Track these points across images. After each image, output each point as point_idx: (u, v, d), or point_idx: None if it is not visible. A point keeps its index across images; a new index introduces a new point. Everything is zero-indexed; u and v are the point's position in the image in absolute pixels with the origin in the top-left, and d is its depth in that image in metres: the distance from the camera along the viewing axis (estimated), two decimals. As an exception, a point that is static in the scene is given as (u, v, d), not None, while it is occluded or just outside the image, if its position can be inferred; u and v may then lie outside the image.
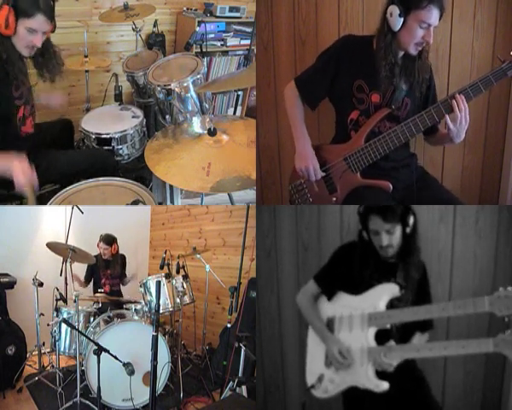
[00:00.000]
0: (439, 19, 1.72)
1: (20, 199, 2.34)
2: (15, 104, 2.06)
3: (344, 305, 1.56)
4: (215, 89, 3.30)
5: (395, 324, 1.49)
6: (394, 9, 1.72)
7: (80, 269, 3.21)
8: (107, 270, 3.27)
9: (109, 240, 3.24)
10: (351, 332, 1.51)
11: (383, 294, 1.49)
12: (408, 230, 1.48)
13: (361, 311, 1.50)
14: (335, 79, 1.93)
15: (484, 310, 1.30)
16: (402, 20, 1.72)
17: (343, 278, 1.57)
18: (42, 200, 2.36)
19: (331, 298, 1.60)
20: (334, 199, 2.00)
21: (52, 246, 2.79)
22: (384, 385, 1.46)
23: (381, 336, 1.48)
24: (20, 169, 1.82)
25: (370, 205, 1.51)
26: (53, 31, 2.07)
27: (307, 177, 1.98)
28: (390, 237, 1.46)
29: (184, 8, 3.86)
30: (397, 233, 1.46)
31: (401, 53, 1.83)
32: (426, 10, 1.68)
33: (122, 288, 3.40)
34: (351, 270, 1.55)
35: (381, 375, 1.47)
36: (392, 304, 1.49)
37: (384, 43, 1.79)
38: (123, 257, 3.40)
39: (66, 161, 2.36)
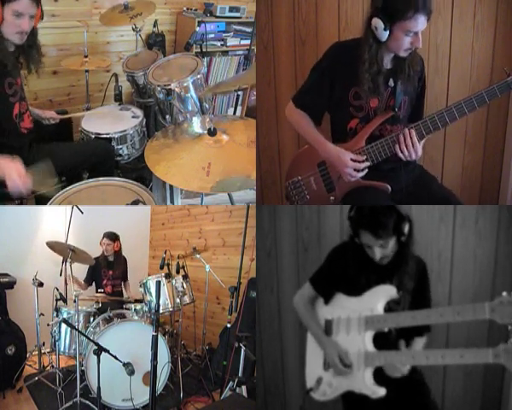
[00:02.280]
0: (428, 21, 1.67)
1: (20, 198, 2.34)
2: (10, 102, 2.07)
3: (341, 307, 1.53)
4: (219, 91, 3.30)
5: (394, 327, 1.46)
6: (378, 23, 1.68)
7: (81, 270, 3.21)
8: (109, 271, 3.27)
9: (112, 236, 3.26)
10: (348, 335, 1.49)
11: (380, 296, 1.46)
12: (403, 238, 1.42)
13: (358, 313, 1.47)
14: (332, 90, 1.90)
15: (484, 317, 1.22)
16: (388, 32, 1.69)
17: (339, 280, 1.54)
18: (42, 200, 2.36)
19: (328, 300, 1.58)
20: (332, 198, 1.99)
21: (52, 245, 2.79)
22: (380, 392, 1.43)
23: (381, 339, 1.46)
24: (15, 172, 1.79)
25: (362, 206, 1.44)
26: (41, 17, 2.07)
27: (355, 175, 1.87)
28: (384, 250, 1.42)
29: (184, 8, 3.86)
30: (390, 245, 1.41)
31: (391, 55, 1.82)
32: (412, 20, 1.64)
33: (123, 288, 3.40)
34: (346, 271, 1.51)
35: (380, 378, 1.44)
36: (390, 307, 1.47)
37: (369, 53, 1.76)
38: (124, 258, 3.40)
39: (67, 152, 2.36)
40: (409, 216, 1.43)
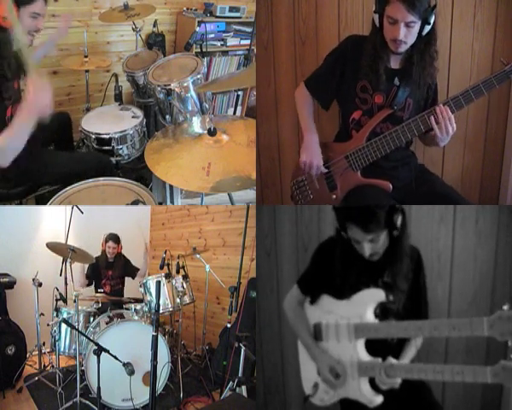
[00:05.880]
0: (418, 15, 1.66)
1: (20, 199, 2.34)
2: (4, 105, 2.06)
3: (329, 311, 1.44)
4: (215, 88, 3.31)
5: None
6: (373, 5, 1.76)
7: (81, 269, 3.20)
8: (108, 271, 3.26)
9: (117, 239, 3.27)
10: (338, 342, 1.42)
11: (368, 301, 1.36)
12: (395, 233, 1.30)
13: (347, 320, 1.38)
14: (341, 79, 1.94)
15: (482, 334, 1.10)
16: (377, 16, 1.74)
17: (327, 280, 1.44)
18: (42, 200, 2.37)
19: (315, 301, 1.50)
20: (334, 196, 2.00)
21: (52, 246, 2.79)
22: (377, 400, 1.37)
23: (374, 344, 1.40)
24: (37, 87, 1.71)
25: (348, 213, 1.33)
26: None
27: (308, 171, 1.97)
28: (373, 246, 1.29)
29: (184, 8, 3.87)
30: (381, 239, 1.29)
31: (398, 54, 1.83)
32: (391, 6, 1.68)
33: (125, 288, 3.39)
34: (333, 270, 1.41)
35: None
36: (383, 307, 1.38)
37: (372, 41, 1.82)
38: (124, 257, 3.39)
39: (63, 162, 2.36)
40: (402, 208, 1.31)
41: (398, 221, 1.29)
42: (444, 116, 1.75)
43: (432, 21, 1.71)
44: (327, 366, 1.43)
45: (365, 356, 1.39)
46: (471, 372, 1.16)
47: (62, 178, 2.25)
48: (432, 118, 1.77)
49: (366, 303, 1.36)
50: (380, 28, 1.77)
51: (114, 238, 3.26)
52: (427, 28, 1.72)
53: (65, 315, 2.71)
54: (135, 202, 1.94)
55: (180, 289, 2.84)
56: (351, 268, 1.39)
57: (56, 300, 2.87)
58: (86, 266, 3.20)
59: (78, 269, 3.11)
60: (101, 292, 3.13)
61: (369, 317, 1.37)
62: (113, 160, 2.59)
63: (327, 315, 1.45)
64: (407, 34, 1.70)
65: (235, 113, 3.78)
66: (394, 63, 1.87)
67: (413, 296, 1.43)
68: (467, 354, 1.95)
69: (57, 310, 2.80)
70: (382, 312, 1.39)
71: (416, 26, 1.70)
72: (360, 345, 1.38)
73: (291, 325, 1.57)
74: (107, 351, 2.09)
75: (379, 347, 1.39)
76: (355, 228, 1.26)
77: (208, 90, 2.79)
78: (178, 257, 3.00)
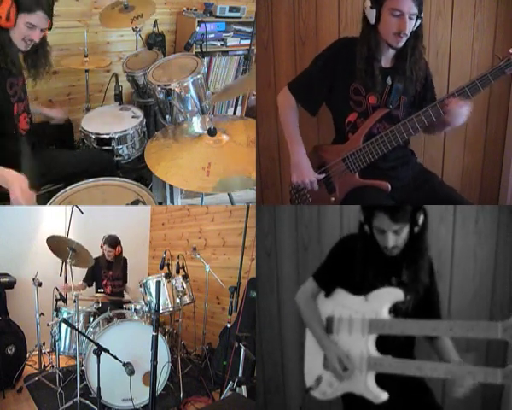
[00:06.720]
0: (418, 7, 1.68)
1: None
2: (10, 102, 2.07)
3: (344, 305, 1.48)
4: (225, 97, 3.29)
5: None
6: (367, 2, 1.75)
7: (81, 270, 3.20)
8: (108, 271, 3.25)
9: (113, 242, 3.22)
10: (350, 336, 1.45)
11: (386, 299, 1.41)
12: (416, 229, 1.38)
13: (362, 315, 1.43)
14: (333, 83, 1.91)
15: (496, 337, 1.18)
16: (374, 12, 1.73)
17: (343, 276, 1.48)
18: (42, 200, 2.36)
19: (330, 294, 1.54)
20: (333, 199, 2.00)
21: (51, 243, 2.77)
22: (383, 397, 1.40)
23: (384, 341, 1.43)
24: (18, 188, 1.74)
25: (376, 205, 1.42)
26: (50, 28, 2.08)
27: (302, 187, 1.98)
28: (397, 238, 1.36)
29: (184, 8, 3.86)
30: (404, 233, 1.37)
31: (391, 52, 1.83)
32: None
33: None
34: (352, 266, 1.46)
35: (383, 382, 1.42)
36: (398, 306, 1.43)
37: (364, 41, 1.80)
38: (125, 260, 3.39)
39: (66, 161, 2.36)
40: (425, 209, 1.40)
41: (420, 219, 1.38)
42: (459, 104, 1.73)
43: (422, 15, 1.73)
44: (336, 357, 1.46)
45: (375, 352, 1.42)
46: (482, 373, 1.22)
47: (65, 176, 2.25)
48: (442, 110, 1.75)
49: (383, 301, 1.41)
50: (374, 25, 1.76)
51: (110, 242, 3.20)
52: (418, 22, 1.74)
53: (65, 315, 2.71)
54: (135, 202, 1.94)
55: (180, 289, 2.84)
56: (369, 265, 1.44)
57: (56, 300, 2.87)
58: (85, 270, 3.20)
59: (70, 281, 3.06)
60: (101, 292, 3.12)
61: (385, 315, 1.41)
62: (113, 160, 2.59)
63: (341, 309, 1.49)
64: (409, 26, 1.71)
65: (235, 113, 3.78)
66: (385, 62, 1.86)
67: (425, 299, 1.47)
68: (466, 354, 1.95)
69: (57, 310, 2.80)
70: (396, 311, 1.43)
71: (414, 19, 1.71)
72: (371, 340, 1.42)
73: (302, 316, 1.60)
74: (107, 351, 2.09)
75: (387, 343, 1.41)
76: (383, 216, 1.34)
77: (222, 100, 2.76)
78: (178, 257, 3.00)
